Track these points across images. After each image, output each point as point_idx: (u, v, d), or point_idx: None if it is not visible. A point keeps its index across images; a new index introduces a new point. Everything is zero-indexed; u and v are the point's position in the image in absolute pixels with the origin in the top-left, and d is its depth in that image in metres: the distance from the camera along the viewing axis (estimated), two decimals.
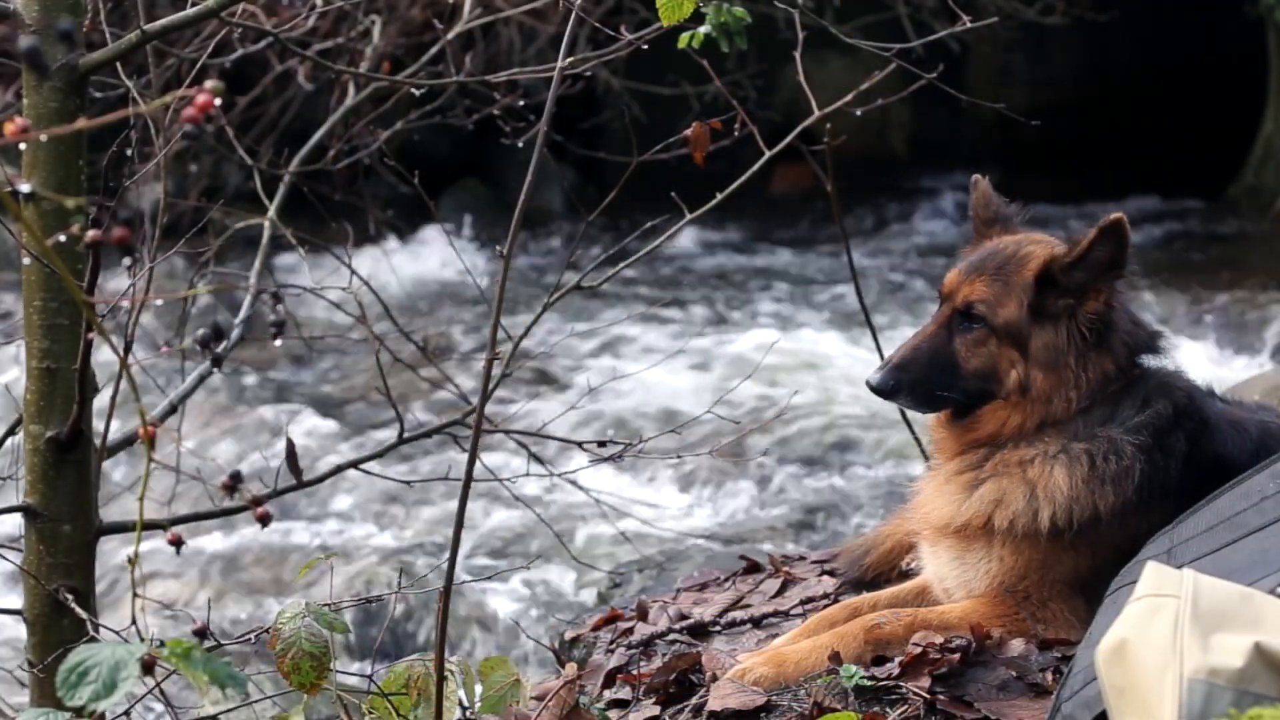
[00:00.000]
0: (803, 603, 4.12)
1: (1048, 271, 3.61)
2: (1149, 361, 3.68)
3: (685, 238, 12.18)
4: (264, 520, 2.41)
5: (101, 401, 3.77)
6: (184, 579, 7.11)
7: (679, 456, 5.16)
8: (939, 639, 3.53)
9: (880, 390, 3.70)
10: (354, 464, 4.72)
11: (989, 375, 3.65)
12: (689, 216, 4.31)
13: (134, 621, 2.92)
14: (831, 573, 4.28)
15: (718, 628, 4.03)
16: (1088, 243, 3.57)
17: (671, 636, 3.98)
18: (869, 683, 3.44)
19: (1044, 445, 3.61)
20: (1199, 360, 9.17)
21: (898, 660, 3.49)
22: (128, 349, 3.56)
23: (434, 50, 5.61)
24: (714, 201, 4.26)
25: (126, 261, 3.92)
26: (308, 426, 8.87)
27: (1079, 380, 3.59)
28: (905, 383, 3.69)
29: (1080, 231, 3.69)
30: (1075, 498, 3.55)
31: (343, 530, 7.65)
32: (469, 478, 3.15)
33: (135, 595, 2.58)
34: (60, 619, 3.74)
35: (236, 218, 5.92)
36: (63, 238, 3.13)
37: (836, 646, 3.54)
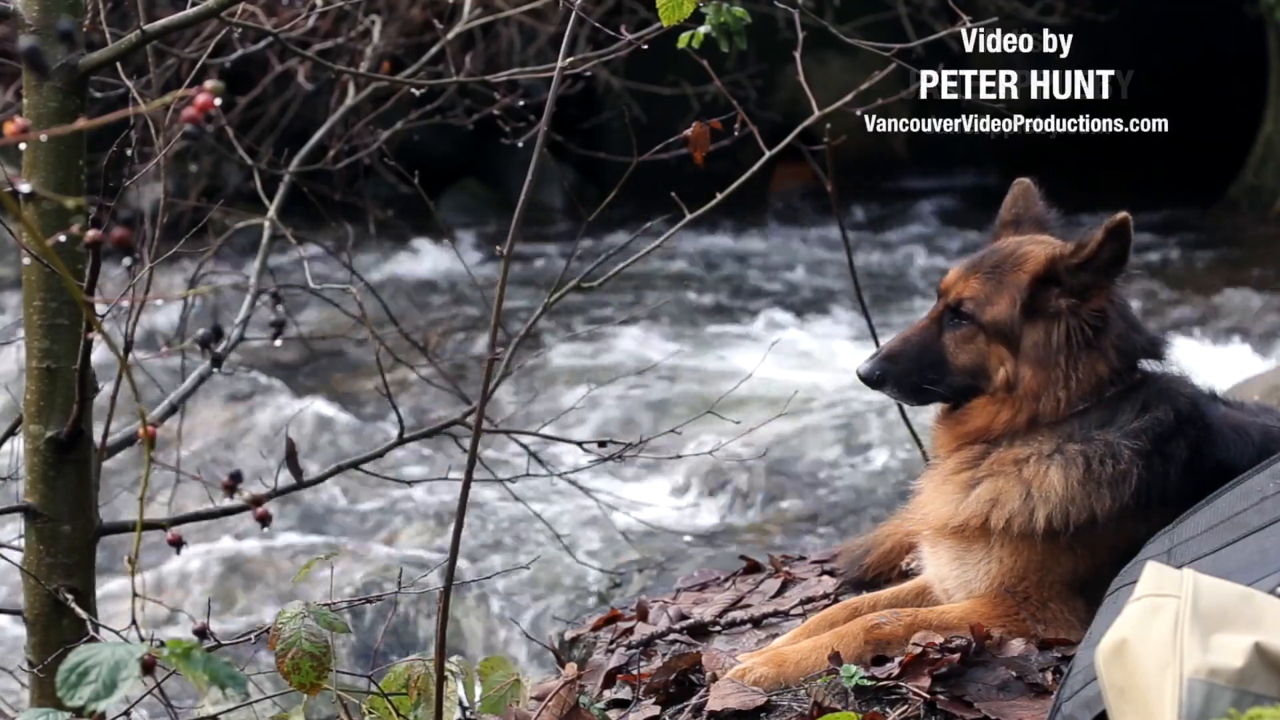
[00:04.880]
0: (803, 603, 4.12)
1: (1051, 270, 3.61)
2: (1151, 366, 3.68)
3: (684, 237, 12.18)
4: (264, 520, 2.42)
5: (101, 401, 3.76)
6: (184, 579, 7.11)
7: (679, 456, 5.16)
8: (939, 639, 3.53)
9: (867, 379, 3.73)
10: (354, 464, 4.72)
11: (976, 371, 3.67)
12: (689, 216, 4.30)
13: (134, 621, 2.92)
14: (831, 573, 4.28)
15: (718, 628, 4.03)
16: (1096, 243, 3.57)
17: (671, 636, 3.98)
18: (869, 683, 3.44)
19: (1039, 445, 3.61)
20: (1198, 360, 9.15)
21: (898, 660, 3.49)
22: (128, 349, 3.56)
23: (434, 50, 5.60)
24: (714, 201, 4.26)
25: (126, 261, 3.92)
26: (308, 427, 8.87)
27: (1069, 380, 3.59)
28: (892, 374, 3.72)
29: (1076, 230, 3.69)
30: (1071, 499, 3.55)
31: (343, 530, 7.65)
32: (469, 478, 3.15)
33: (135, 595, 2.58)
34: (60, 619, 3.74)
35: (236, 218, 5.92)
36: (63, 238, 3.13)
37: (836, 646, 3.54)
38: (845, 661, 3.50)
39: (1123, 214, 3.56)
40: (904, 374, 3.72)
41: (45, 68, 3.53)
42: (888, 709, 3.40)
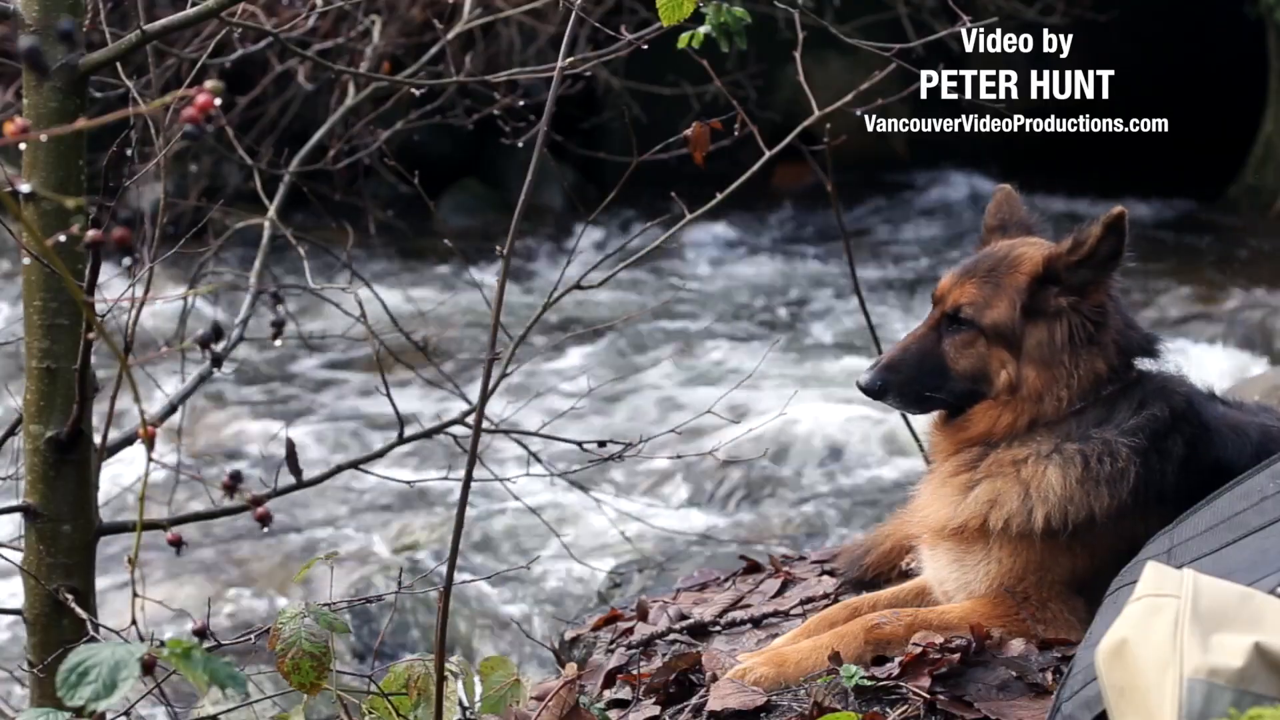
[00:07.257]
0: (803, 603, 4.12)
1: (1049, 269, 3.62)
2: (1147, 365, 3.68)
3: (685, 238, 12.18)
4: (264, 520, 2.41)
5: (102, 401, 3.76)
6: (184, 579, 7.11)
7: (679, 456, 5.16)
8: (939, 639, 3.53)
9: (869, 390, 3.72)
10: (354, 464, 4.72)
11: (978, 376, 3.67)
12: (689, 216, 4.30)
13: (134, 621, 2.92)
14: (831, 573, 4.28)
15: (718, 628, 4.03)
16: (1094, 240, 3.58)
17: (671, 636, 3.98)
18: (869, 683, 3.44)
19: (1037, 445, 3.61)
20: (1198, 360, 9.17)
21: (898, 660, 3.49)
22: (128, 349, 3.56)
23: (434, 50, 5.61)
24: (714, 201, 4.26)
25: (126, 261, 3.92)
26: (308, 426, 8.88)
27: (1071, 378, 3.59)
28: (893, 383, 3.71)
29: (1064, 232, 3.70)
30: (1069, 498, 3.55)
31: (343, 530, 7.65)
32: (469, 478, 3.15)
33: (135, 595, 2.58)
34: (60, 619, 3.75)
35: (236, 218, 5.92)
36: (63, 238, 3.13)
37: (836, 646, 3.54)
38: (845, 661, 3.50)
39: (1119, 208, 3.58)
40: (905, 383, 3.72)
41: (45, 68, 3.53)
42: (888, 709, 3.40)
